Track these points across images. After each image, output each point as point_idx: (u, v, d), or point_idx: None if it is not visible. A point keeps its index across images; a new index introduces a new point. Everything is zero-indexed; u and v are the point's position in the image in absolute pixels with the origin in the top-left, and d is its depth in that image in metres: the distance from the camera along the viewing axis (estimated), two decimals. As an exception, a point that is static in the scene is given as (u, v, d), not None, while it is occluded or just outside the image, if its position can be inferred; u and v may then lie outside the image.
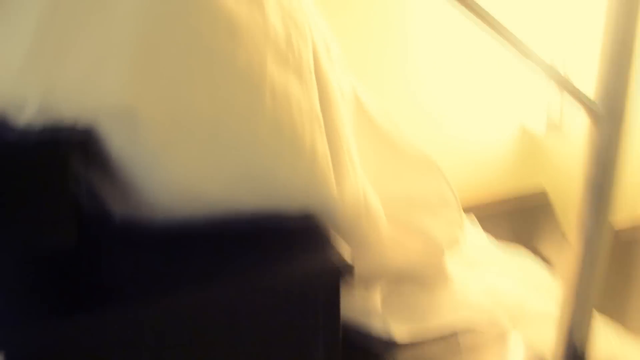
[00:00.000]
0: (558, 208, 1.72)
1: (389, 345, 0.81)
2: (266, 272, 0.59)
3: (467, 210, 1.23)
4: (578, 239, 0.75)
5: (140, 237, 0.62)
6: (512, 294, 0.96)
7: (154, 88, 0.58)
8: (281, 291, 0.59)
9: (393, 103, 1.54)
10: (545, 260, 1.46)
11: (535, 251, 1.53)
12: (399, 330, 0.82)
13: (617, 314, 1.18)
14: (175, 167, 0.61)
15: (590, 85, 0.71)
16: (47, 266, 0.58)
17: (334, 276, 0.60)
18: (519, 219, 1.72)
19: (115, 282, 0.57)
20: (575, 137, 1.65)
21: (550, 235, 1.68)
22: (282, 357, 0.62)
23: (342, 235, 0.72)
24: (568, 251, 0.78)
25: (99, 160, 0.59)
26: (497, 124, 1.68)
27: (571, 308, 0.78)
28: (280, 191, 0.66)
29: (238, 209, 0.64)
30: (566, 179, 1.68)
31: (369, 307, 0.83)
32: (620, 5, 0.66)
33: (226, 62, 0.61)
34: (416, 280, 0.87)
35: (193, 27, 0.60)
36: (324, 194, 0.68)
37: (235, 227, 0.64)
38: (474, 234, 1.20)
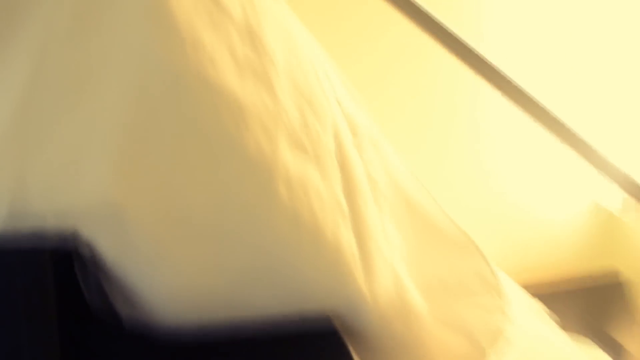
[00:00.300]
0: (632, 290, 1.61)
1: None
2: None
3: (534, 289, 1.16)
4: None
5: (148, 346, 0.55)
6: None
7: (144, 182, 0.51)
8: None
9: (460, 175, 1.56)
10: (616, 344, 1.35)
11: (606, 335, 1.42)
12: None
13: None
14: (176, 271, 0.54)
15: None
16: None
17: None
18: (589, 300, 1.63)
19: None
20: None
21: (622, 319, 1.56)
22: None
23: (374, 339, 0.64)
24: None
25: (87, 267, 0.52)
26: (570, 200, 1.63)
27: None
28: (299, 290, 0.58)
29: (251, 311, 0.57)
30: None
31: None
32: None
33: (230, 150, 0.55)
34: None
35: (190, 112, 0.54)
36: (350, 291, 0.60)
37: (247, 335, 0.57)
38: (528, 317, 1.09)
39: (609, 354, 1.14)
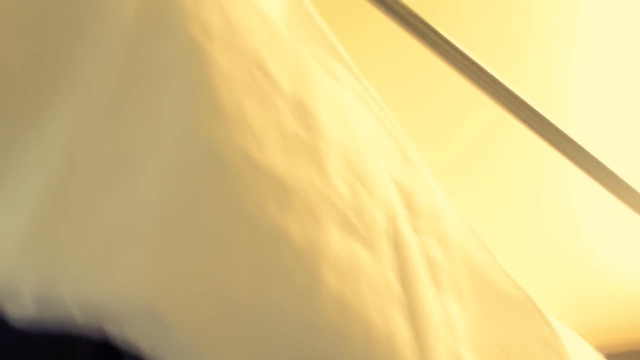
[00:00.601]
0: None
1: None
2: None
3: (616, 355, 1.09)
4: None
5: None
6: None
7: (183, 274, 0.47)
8: None
9: (545, 228, 1.56)
10: None
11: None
12: None
13: None
14: None
15: None
16: None
17: None
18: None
19: None
20: None
21: None
22: None
23: None
24: None
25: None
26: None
27: None
28: None
29: None
30: None
31: None
32: None
33: (274, 235, 0.51)
34: None
35: (232, 195, 0.50)
36: None
37: None
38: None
39: None
